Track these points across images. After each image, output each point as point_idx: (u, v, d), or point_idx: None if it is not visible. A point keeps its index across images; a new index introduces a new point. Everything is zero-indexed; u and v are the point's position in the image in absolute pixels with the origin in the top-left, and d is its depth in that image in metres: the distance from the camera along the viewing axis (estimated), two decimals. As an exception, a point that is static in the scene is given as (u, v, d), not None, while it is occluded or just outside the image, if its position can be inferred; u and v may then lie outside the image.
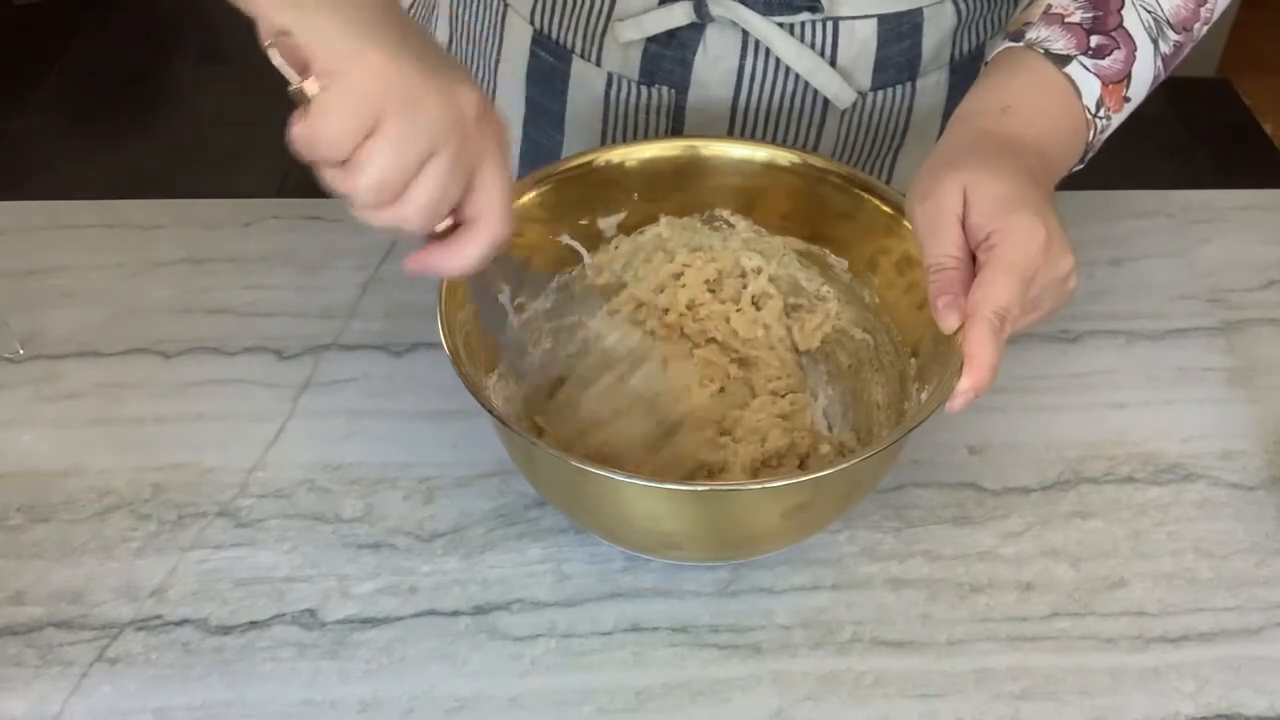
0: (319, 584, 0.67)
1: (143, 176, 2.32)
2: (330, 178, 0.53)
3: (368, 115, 0.51)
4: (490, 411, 0.60)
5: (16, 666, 0.63)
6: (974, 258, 0.61)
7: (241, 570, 0.68)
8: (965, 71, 0.86)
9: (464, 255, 0.57)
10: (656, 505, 0.62)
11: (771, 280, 0.77)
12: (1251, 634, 0.66)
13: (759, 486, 0.63)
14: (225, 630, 0.65)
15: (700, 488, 0.64)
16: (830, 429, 0.75)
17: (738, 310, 0.77)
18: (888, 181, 0.91)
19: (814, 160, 0.74)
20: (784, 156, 0.74)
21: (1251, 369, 0.80)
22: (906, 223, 0.70)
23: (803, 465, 0.72)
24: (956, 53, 0.85)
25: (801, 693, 0.63)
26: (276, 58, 0.51)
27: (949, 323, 0.60)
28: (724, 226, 0.76)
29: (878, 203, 0.72)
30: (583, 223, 0.74)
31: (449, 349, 0.62)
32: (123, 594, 0.66)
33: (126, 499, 0.71)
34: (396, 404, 0.77)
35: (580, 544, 0.69)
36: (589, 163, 0.73)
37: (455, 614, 0.66)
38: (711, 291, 0.77)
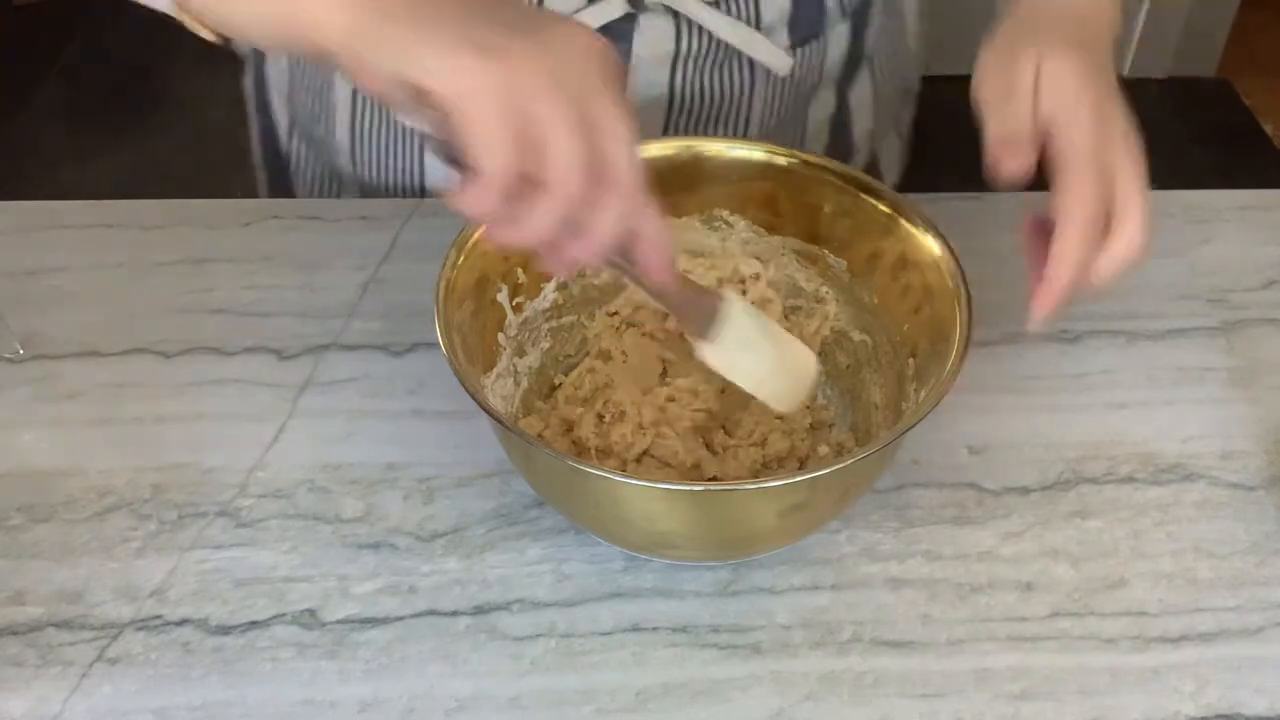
0: (319, 584, 0.67)
1: (143, 176, 2.32)
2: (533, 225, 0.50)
3: (517, 120, 0.48)
4: (488, 411, 0.60)
5: (16, 666, 0.63)
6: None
7: (241, 570, 0.68)
8: (859, 19, 0.91)
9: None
10: (653, 505, 0.62)
11: (770, 284, 0.77)
12: (1251, 634, 0.66)
13: (755, 486, 0.63)
14: (225, 630, 0.65)
15: (697, 488, 0.64)
16: (831, 427, 0.75)
17: None
18: (802, 135, 0.94)
19: (811, 159, 0.74)
20: (781, 156, 0.74)
21: (1251, 369, 0.80)
22: (904, 222, 0.70)
23: (802, 467, 0.72)
24: (848, 3, 0.89)
25: (801, 693, 0.63)
26: (417, 122, 0.49)
27: (1009, 170, 0.60)
28: (722, 226, 0.76)
29: (875, 202, 0.72)
30: None
31: (446, 349, 0.62)
32: (123, 594, 0.66)
33: (126, 499, 0.71)
34: (396, 404, 0.77)
35: (580, 544, 0.69)
36: None
37: (455, 614, 0.66)
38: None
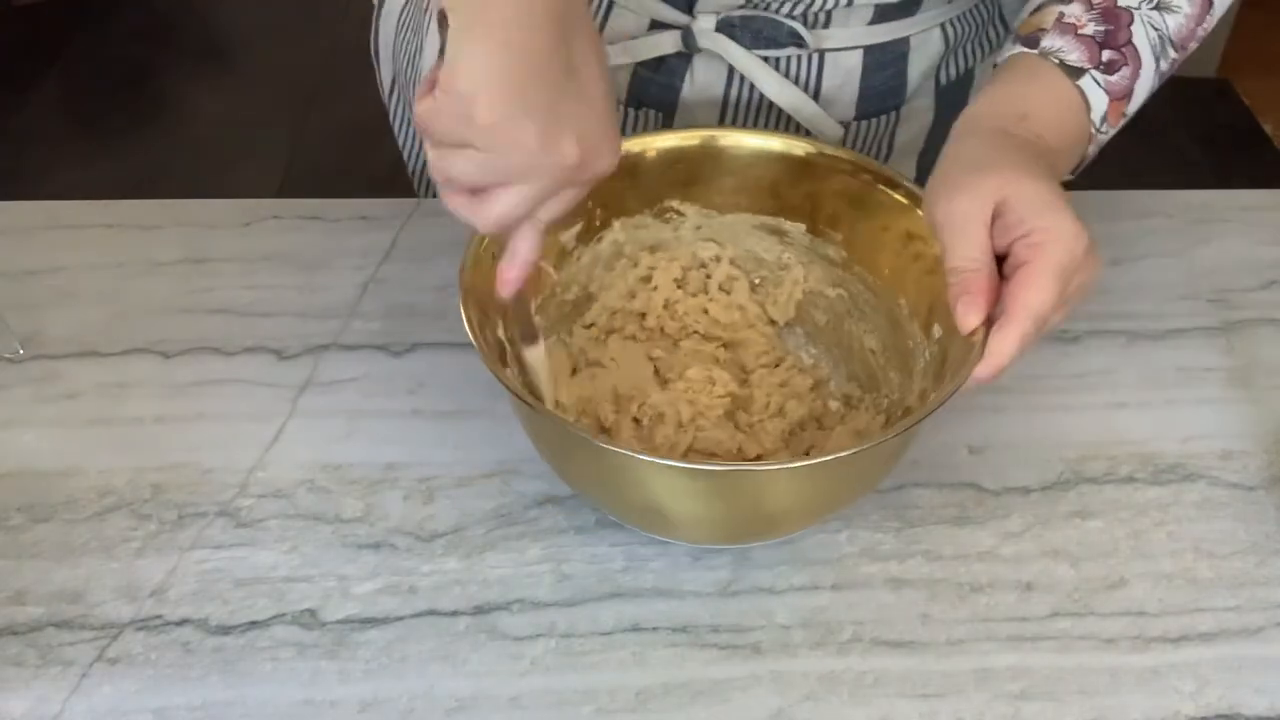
0: (319, 584, 0.67)
1: (143, 176, 2.32)
2: (429, 149, 0.57)
3: (466, 135, 0.54)
4: (520, 398, 0.60)
5: (16, 666, 0.63)
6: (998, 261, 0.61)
7: (241, 570, 0.68)
8: (952, 97, 0.86)
9: (483, 214, 0.58)
10: (688, 486, 0.62)
11: (733, 262, 0.78)
12: (1251, 634, 0.66)
13: (849, 454, 0.61)
14: (225, 630, 0.65)
15: (796, 464, 0.64)
16: (829, 382, 0.76)
17: (710, 300, 0.78)
18: None
19: (754, 134, 0.75)
20: (721, 135, 0.75)
21: (1251, 369, 0.80)
22: (919, 211, 0.70)
23: (821, 426, 0.74)
24: (943, 77, 0.85)
25: (801, 693, 0.63)
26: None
27: (968, 323, 0.60)
28: (674, 217, 0.76)
29: (891, 192, 0.72)
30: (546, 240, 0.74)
31: (469, 325, 0.63)
32: (123, 594, 0.66)
33: (126, 499, 0.71)
34: (396, 404, 0.77)
35: (580, 544, 0.69)
36: None
37: (455, 614, 0.66)
38: (681, 288, 0.78)
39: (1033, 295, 0.58)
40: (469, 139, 0.54)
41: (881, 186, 0.72)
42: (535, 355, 0.68)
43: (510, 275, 0.62)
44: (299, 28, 2.79)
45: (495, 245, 0.65)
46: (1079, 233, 0.59)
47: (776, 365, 0.77)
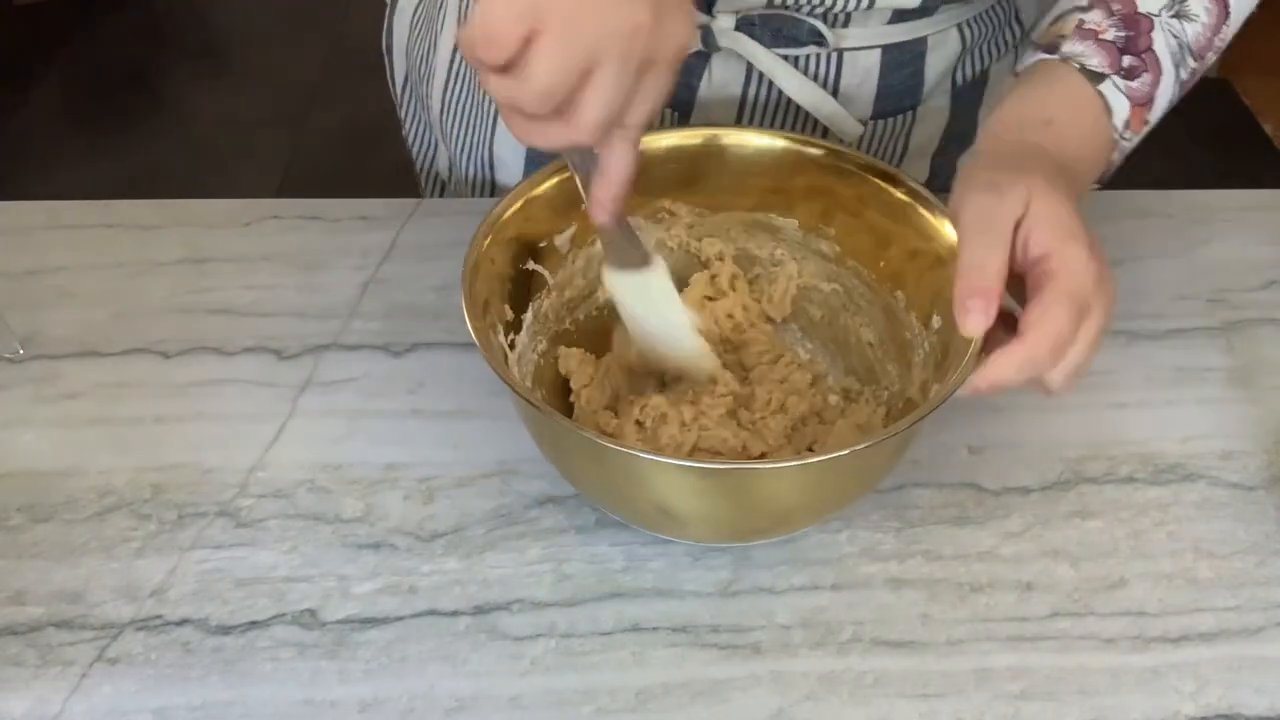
0: (319, 584, 0.67)
1: (143, 176, 2.32)
2: (498, 88, 0.52)
3: (528, 13, 0.50)
4: (523, 396, 0.60)
5: (16, 666, 0.63)
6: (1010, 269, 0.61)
7: (241, 570, 0.68)
8: (967, 97, 0.86)
9: (578, 124, 0.54)
10: (697, 485, 0.62)
11: (732, 260, 0.78)
12: (1251, 634, 0.66)
13: (849, 452, 0.61)
14: (225, 630, 0.65)
15: (779, 465, 0.64)
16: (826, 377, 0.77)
17: (715, 298, 0.78)
18: None
19: (751, 131, 0.75)
20: (721, 134, 0.75)
21: (1251, 369, 0.80)
22: (922, 209, 0.71)
23: (823, 420, 0.74)
24: (959, 77, 0.85)
25: (801, 693, 0.63)
26: None
27: (972, 326, 0.59)
28: (666, 217, 0.76)
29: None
30: (541, 245, 0.74)
31: (473, 329, 0.62)
32: (123, 594, 0.66)
33: (126, 499, 0.71)
34: (396, 404, 0.77)
35: (580, 544, 0.69)
36: (530, 197, 0.72)
37: (455, 614, 0.66)
38: (685, 285, 0.78)
39: (1049, 323, 0.59)
40: (536, 21, 0.50)
41: (875, 180, 0.72)
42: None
43: (605, 195, 0.59)
44: (299, 28, 2.79)
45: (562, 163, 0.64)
46: (1088, 264, 0.59)
47: (775, 361, 0.77)
